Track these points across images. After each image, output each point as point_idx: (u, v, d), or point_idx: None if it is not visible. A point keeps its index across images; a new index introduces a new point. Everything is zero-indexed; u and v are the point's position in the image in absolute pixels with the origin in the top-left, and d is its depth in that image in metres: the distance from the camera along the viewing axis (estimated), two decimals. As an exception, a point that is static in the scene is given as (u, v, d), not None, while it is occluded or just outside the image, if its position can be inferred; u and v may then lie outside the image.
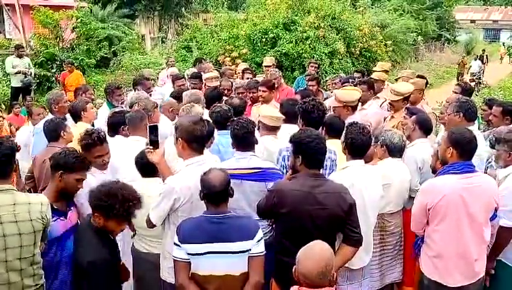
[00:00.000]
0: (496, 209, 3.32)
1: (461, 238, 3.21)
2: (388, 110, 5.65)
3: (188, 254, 2.77)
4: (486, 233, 3.29)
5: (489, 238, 3.35)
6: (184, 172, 3.21)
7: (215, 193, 2.80)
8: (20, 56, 11.17)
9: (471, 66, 21.44)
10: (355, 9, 19.41)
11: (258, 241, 2.82)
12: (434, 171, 3.67)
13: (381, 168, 3.83)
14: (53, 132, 4.12)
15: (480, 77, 19.95)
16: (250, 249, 2.79)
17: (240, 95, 5.92)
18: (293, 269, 2.40)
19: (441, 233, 3.25)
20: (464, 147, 3.21)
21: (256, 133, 3.87)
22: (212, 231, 2.77)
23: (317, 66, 8.67)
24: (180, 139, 3.27)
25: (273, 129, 4.23)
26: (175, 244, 2.80)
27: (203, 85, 6.66)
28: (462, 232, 3.20)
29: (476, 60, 22.49)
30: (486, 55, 25.34)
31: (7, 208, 2.65)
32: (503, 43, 35.93)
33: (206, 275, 2.80)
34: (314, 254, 2.35)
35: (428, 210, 3.25)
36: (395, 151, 3.94)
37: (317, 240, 2.46)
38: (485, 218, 3.26)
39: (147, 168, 3.51)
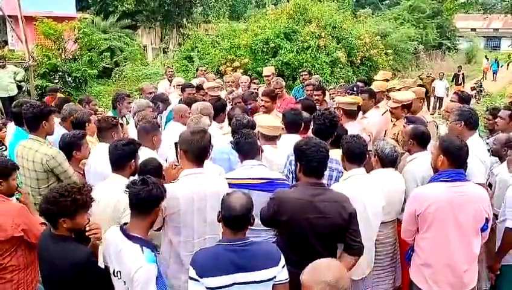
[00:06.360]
0: (487, 220, 3.22)
1: (449, 247, 3.16)
2: (391, 120, 5.66)
3: (208, 288, 2.49)
4: (475, 244, 3.21)
5: (479, 249, 3.27)
6: (177, 183, 3.14)
7: (234, 217, 2.58)
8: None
9: (434, 88, 16.69)
10: (356, 18, 19.53)
11: (283, 267, 2.63)
12: None
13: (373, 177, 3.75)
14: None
15: (481, 85, 19.70)
16: (275, 277, 2.59)
17: (238, 105, 5.96)
18: None
19: (429, 241, 3.21)
20: (454, 155, 3.18)
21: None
22: (233, 260, 2.53)
23: (307, 74, 8.75)
24: (180, 149, 3.28)
25: (272, 139, 4.19)
26: (191, 278, 2.53)
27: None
28: (450, 240, 3.15)
29: (441, 79, 17.25)
30: (463, 74, 19.79)
31: (27, 150, 4.11)
32: (486, 56, 31.74)
33: None
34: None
35: (417, 217, 3.21)
36: (387, 161, 3.82)
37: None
38: (474, 228, 3.19)
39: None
